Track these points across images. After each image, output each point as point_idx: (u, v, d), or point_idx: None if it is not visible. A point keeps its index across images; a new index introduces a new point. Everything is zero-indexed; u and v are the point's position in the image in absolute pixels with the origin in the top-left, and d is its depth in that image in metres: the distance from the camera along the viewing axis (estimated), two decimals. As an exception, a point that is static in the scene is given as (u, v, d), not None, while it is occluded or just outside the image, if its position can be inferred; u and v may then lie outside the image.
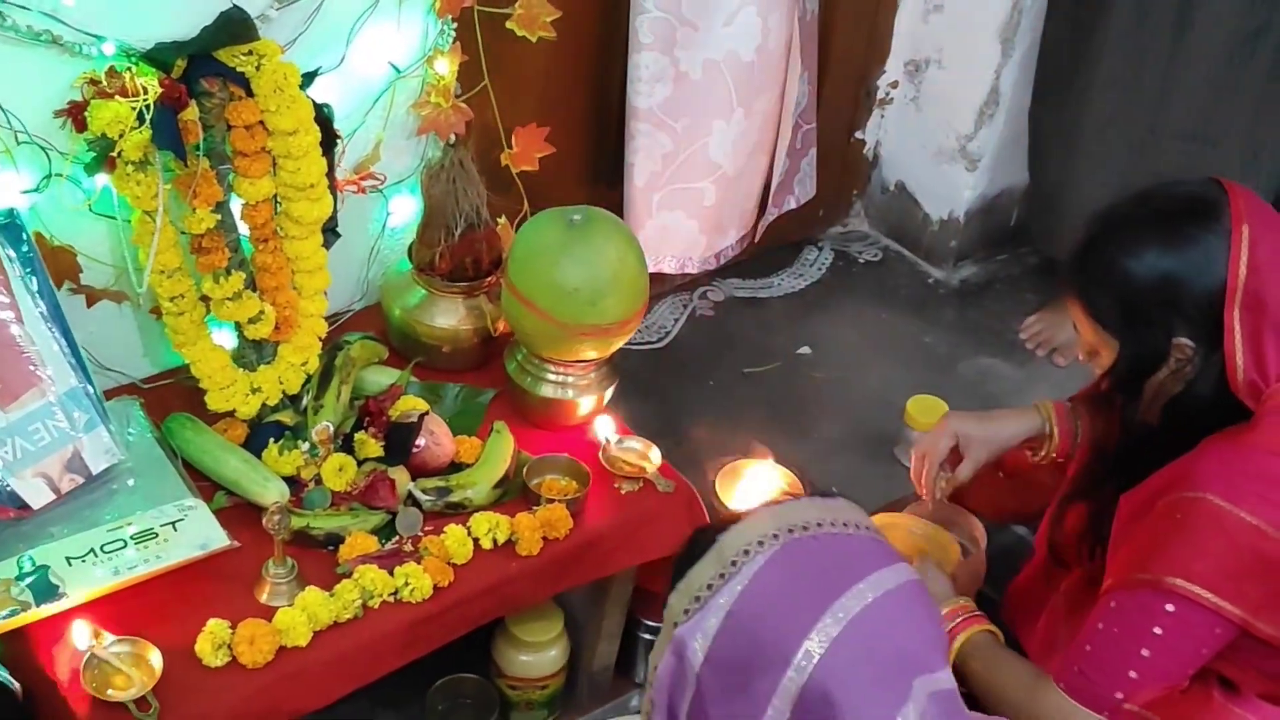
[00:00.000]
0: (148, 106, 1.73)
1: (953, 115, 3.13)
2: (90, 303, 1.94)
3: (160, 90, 1.73)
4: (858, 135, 3.29)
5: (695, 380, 2.94)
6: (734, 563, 1.35)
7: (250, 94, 1.81)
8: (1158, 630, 1.64)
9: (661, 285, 3.02)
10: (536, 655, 2.11)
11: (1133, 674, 1.66)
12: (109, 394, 1.99)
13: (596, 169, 2.72)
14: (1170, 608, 1.63)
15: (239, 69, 1.80)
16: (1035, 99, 2.96)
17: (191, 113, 1.77)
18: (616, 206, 2.67)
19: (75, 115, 1.74)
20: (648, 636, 2.22)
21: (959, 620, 1.91)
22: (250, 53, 1.80)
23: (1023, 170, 3.13)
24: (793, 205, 3.00)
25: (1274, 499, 1.61)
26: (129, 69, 1.74)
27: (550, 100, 2.47)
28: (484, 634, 2.09)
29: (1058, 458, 2.04)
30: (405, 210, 2.19)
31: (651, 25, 2.46)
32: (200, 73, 1.78)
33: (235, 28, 1.78)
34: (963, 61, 3.08)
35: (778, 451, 2.72)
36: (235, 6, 1.79)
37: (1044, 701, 1.73)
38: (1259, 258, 1.67)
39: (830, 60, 3.05)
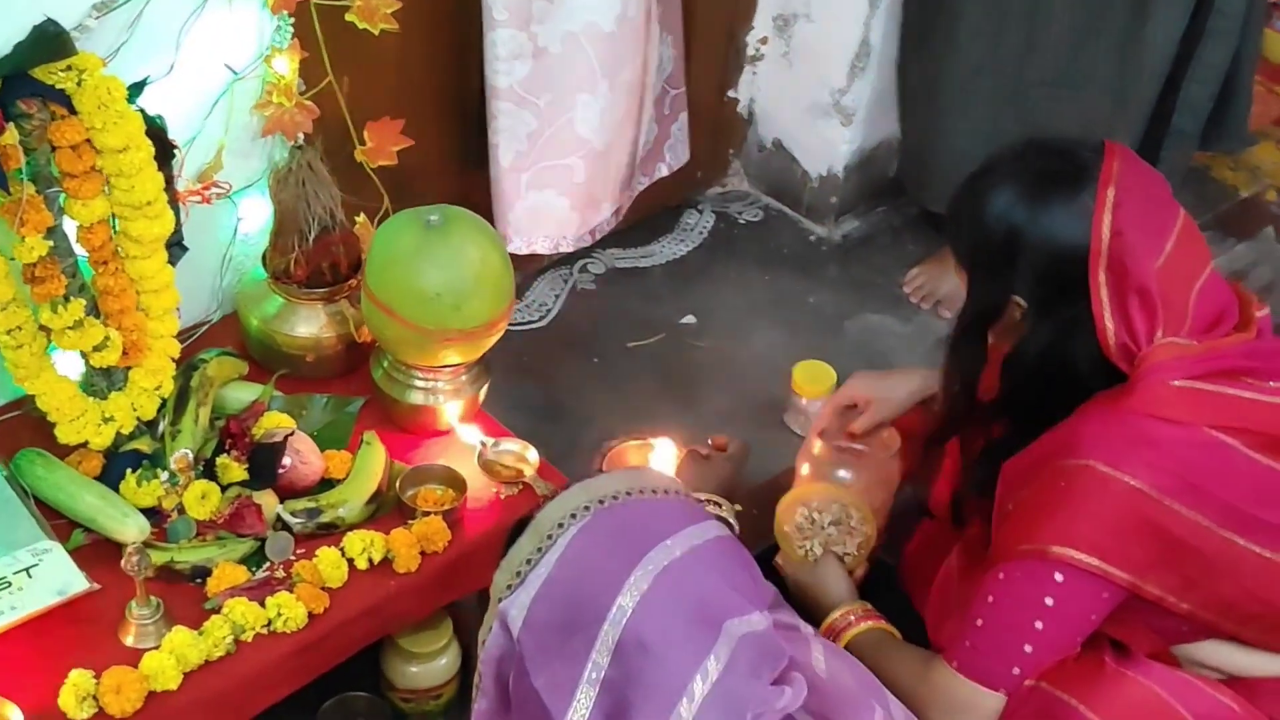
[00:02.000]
0: (-39, 133, 1.62)
1: (825, 69, 3.08)
2: (-78, 338, 1.83)
3: (-28, 116, 1.62)
4: (730, 94, 3.23)
5: (580, 358, 2.87)
6: (550, 536, 1.45)
7: (73, 112, 1.71)
8: (1049, 601, 1.64)
9: (540, 261, 2.95)
10: (426, 666, 2.05)
11: (1027, 647, 1.66)
12: (-49, 432, 1.89)
13: (464, 153, 2.63)
14: (1059, 577, 1.63)
15: (58, 86, 1.69)
16: (901, 51, 2.93)
17: (10, 136, 1.67)
18: (488, 189, 2.60)
19: (-118, 145, 1.63)
20: (542, 635, 2.17)
21: (849, 620, 1.92)
22: (69, 68, 1.69)
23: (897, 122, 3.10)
24: (664, 172, 2.95)
25: (1155, 461, 1.62)
26: (-61, 93, 1.63)
27: (408, 88, 2.38)
28: (372, 647, 2.03)
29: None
30: (257, 215, 2.10)
31: (505, 1, 2.37)
32: (16, 94, 1.67)
33: (50, 43, 1.68)
34: (831, 14, 3.02)
35: (667, 426, 2.68)
36: (49, 20, 1.68)
37: (936, 681, 1.73)
38: (1122, 221, 1.66)
39: (696, 18, 2.98)
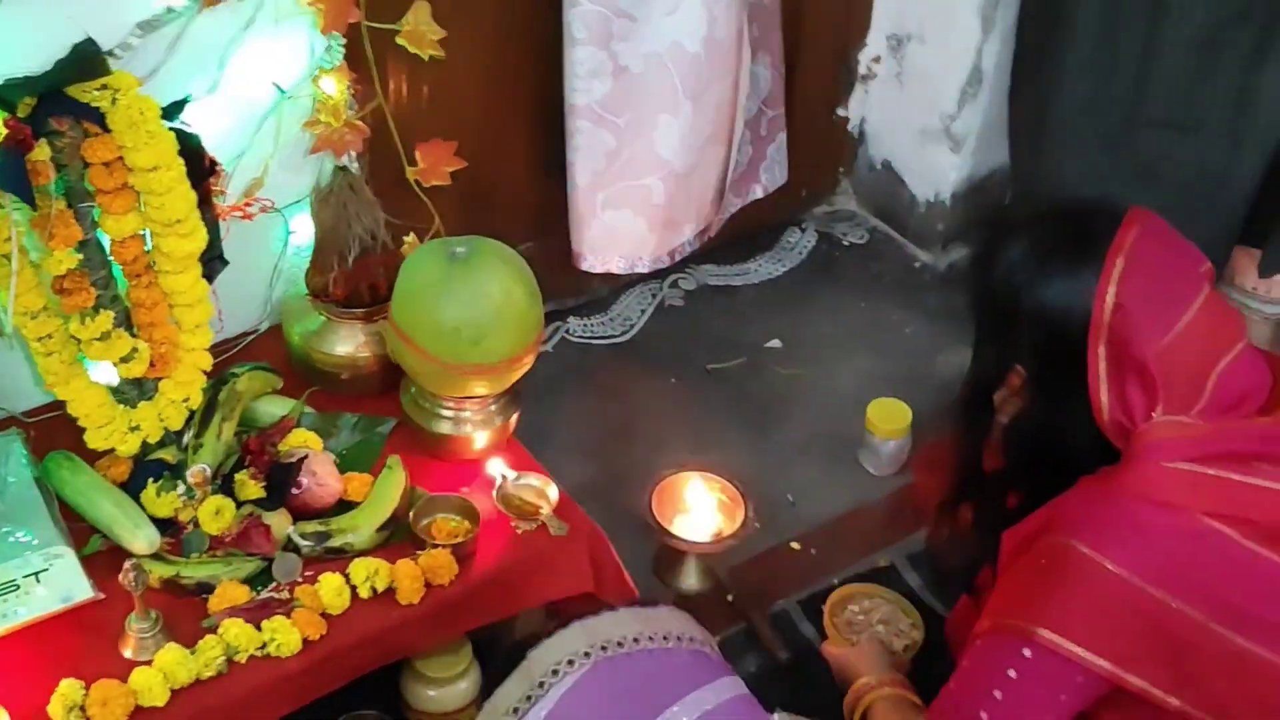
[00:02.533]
0: (-7, 148, 1.66)
1: (936, 94, 2.98)
2: (-31, 339, 1.89)
3: (4, 132, 1.66)
4: (840, 112, 3.15)
5: (658, 377, 2.84)
6: (541, 684, 1.32)
7: (107, 129, 1.73)
8: (1011, 673, 1.61)
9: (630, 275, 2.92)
10: (444, 690, 2.04)
11: (983, 714, 1.63)
12: (-2, 426, 1.95)
13: (546, 166, 2.61)
14: (1027, 653, 1.59)
15: (93, 104, 1.72)
16: (1012, 82, 2.81)
17: (42, 152, 1.70)
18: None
19: (-80, 156, 1.67)
20: (566, 666, 2.14)
21: (873, 684, 1.92)
22: (104, 87, 1.72)
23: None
24: (759, 194, 2.89)
25: (1140, 547, 1.55)
26: (-28, 108, 1.68)
27: (492, 100, 2.39)
28: (391, 667, 2.03)
29: None
30: (308, 229, 2.11)
31: (584, 19, 2.34)
32: (51, 111, 1.70)
33: (86, 63, 1.70)
34: (943, 37, 2.92)
35: (735, 455, 2.64)
36: (88, 39, 1.71)
37: None
38: (1127, 294, 1.58)
39: (804, 35, 2.92)
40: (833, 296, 3.08)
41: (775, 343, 2.94)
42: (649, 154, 2.54)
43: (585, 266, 2.65)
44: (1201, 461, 1.57)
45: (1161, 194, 2.56)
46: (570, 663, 1.31)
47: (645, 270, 2.72)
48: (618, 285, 2.95)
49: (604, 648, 1.32)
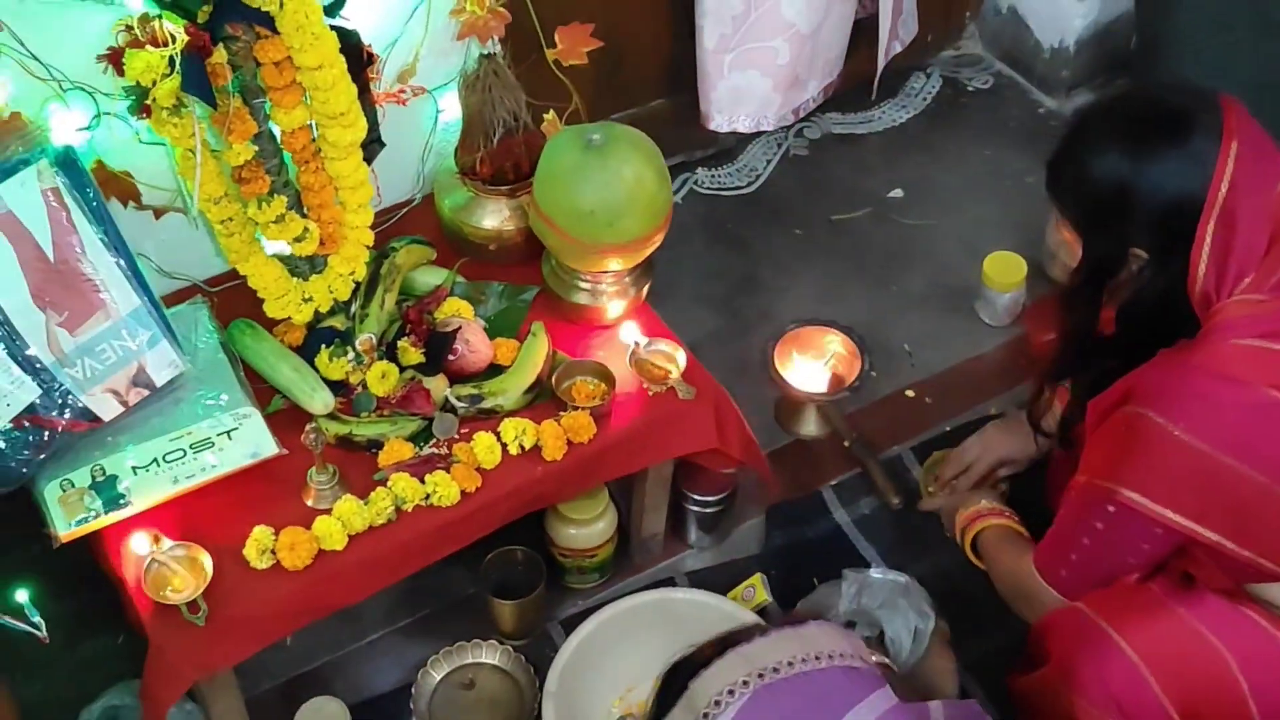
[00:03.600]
0: (176, 54, 1.83)
1: (1064, -61, 2.99)
2: (158, 216, 2.10)
3: (186, 39, 1.82)
4: (968, -43, 3.17)
5: (783, 228, 2.96)
6: (705, 715, 1.36)
7: (275, 31, 1.89)
8: (1098, 525, 1.82)
9: (756, 129, 3.02)
10: (583, 529, 2.26)
11: (1073, 556, 1.88)
12: (182, 295, 2.17)
13: (675, 30, 2.71)
14: (1111, 509, 1.79)
15: (263, 9, 1.87)
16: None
17: (220, 56, 1.86)
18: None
19: (115, 61, 1.84)
20: (694, 509, 2.35)
21: (984, 513, 2.17)
22: (272, -8, 1.87)
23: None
24: (898, 49, 2.95)
25: (1207, 418, 1.70)
26: (158, 17, 1.84)
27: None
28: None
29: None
30: (455, 107, 2.26)
31: (715, -114, 2.42)
32: (225, 17, 1.86)
33: (255, -30, 1.85)
34: (1074, -117, 2.92)
35: (855, 305, 2.78)
36: (256, -54, 1.86)
37: (1023, 568, 1.99)
38: (1239, 176, 1.70)
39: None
40: (956, 144, 3.15)
41: (898, 192, 3.03)
42: (775, 16, 2.62)
43: (713, 126, 2.77)
44: (1270, 338, 1.70)
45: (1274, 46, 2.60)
46: (731, 692, 1.35)
47: (770, 128, 2.83)
48: (744, 135, 3.05)
49: (761, 675, 1.36)
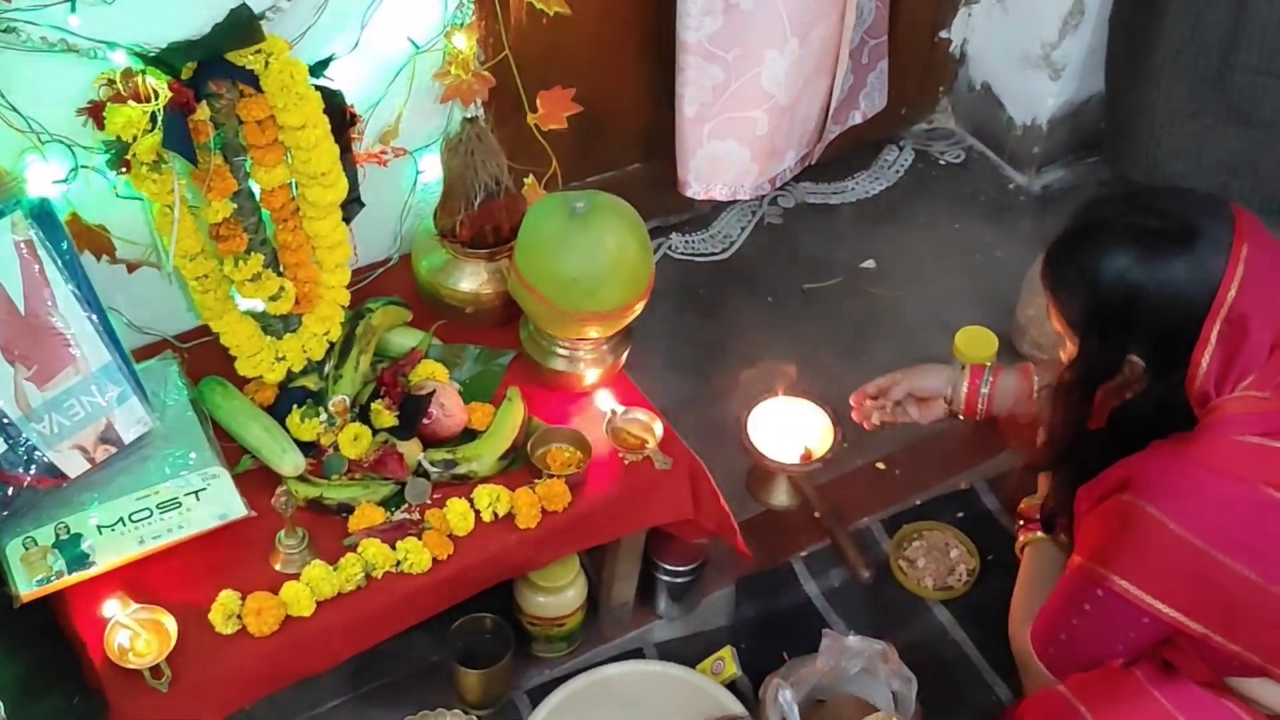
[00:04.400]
0: (159, 110, 1.81)
1: (1037, 22, 3.03)
2: (131, 270, 2.07)
3: (169, 95, 1.81)
4: (942, 34, 3.21)
5: (755, 295, 2.97)
6: None
7: (260, 90, 1.88)
8: (1086, 607, 1.82)
9: (732, 197, 3.03)
10: (553, 597, 2.23)
11: (1062, 635, 1.88)
12: (152, 350, 2.14)
13: (656, 95, 2.72)
14: (1100, 593, 1.78)
15: (248, 67, 1.86)
16: (1113, 16, 2.86)
17: (203, 113, 1.85)
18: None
19: (95, 115, 1.83)
20: (665, 578, 2.33)
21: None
22: (259, 51, 1.86)
23: (1109, 79, 3.03)
24: (858, 120, 2.98)
25: (1205, 515, 1.70)
26: (141, 72, 1.82)
27: (604, 33, 2.49)
28: (505, 574, 2.22)
29: (965, 414, 2.24)
30: (436, 168, 2.25)
31: (699, -41, 2.43)
32: (210, 74, 1.85)
33: (242, 29, 1.84)
34: (1048, -33, 2.96)
35: (827, 375, 2.77)
36: (244, 5, 1.85)
37: (1023, 633, 1.99)
38: (1249, 279, 1.70)
39: (911, -41, 2.97)
40: (927, 216, 3.17)
41: (870, 263, 3.05)
42: (755, 88, 2.64)
43: (689, 193, 2.77)
44: (1271, 436, 1.69)
45: (1251, 133, 2.63)
46: None
47: (747, 197, 2.84)
48: (720, 202, 3.05)
49: None
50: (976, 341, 2.71)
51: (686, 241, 3.04)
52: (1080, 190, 3.24)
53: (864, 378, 2.75)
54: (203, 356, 2.14)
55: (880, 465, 2.65)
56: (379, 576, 1.92)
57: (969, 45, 3.23)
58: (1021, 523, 2.27)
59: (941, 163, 3.31)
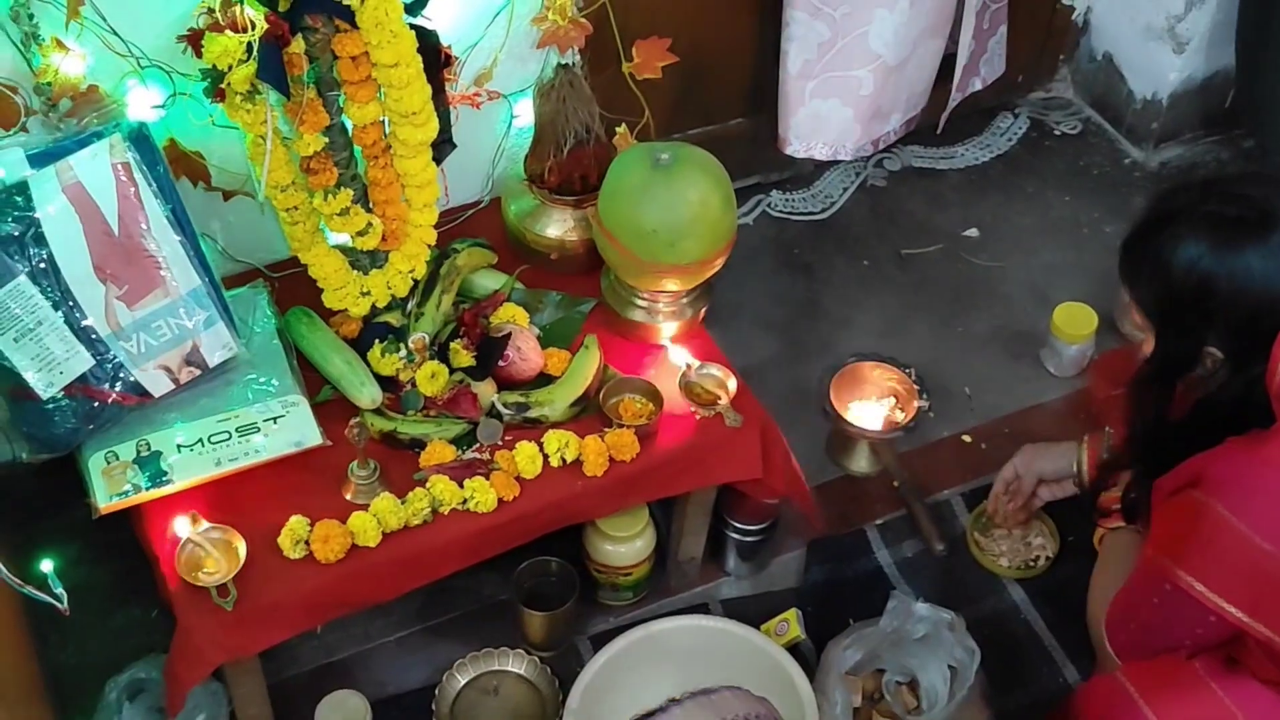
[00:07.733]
0: (255, 41, 1.84)
1: (1164, -9, 2.94)
2: (226, 198, 2.12)
3: (266, 26, 1.83)
4: (1065, 1, 3.12)
5: (852, 258, 2.93)
6: None
7: (355, 26, 1.89)
8: (1155, 600, 1.77)
9: (835, 157, 2.99)
10: (621, 546, 2.24)
11: (1133, 624, 1.84)
12: (244, 278, 2.18)
13: (760, 49, 2.69)
14: (1167, 587, 1.73)
15: (344, 2, 1.88)
16: (1244, -10, 2.76)
17: (298, 46, 1.87)
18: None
19: (194, 43, 1.86)
20: (735, 536, 2.33)
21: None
22: (355, -14, 1.88)
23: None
24: (978, 87, 2.92)
25: (1270, 514, 1.65)
26: (239, 3, 1.85)
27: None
28: (576, 520, 2.24)
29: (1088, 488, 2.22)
30: (529, 114, 2.26)
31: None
32: (306, 8, 1.86)
33: (340, -36, 1.86)
34: (1179, -64, 2.87)
35: (918, 342, 2.74)
36: (342, -60, 1.86)
37: (1100, 618, 1.94)
38: None
39: (1036, -76, 2.90)
40: (1036, 186, 3.10)
41: (973, 231, 2.99)
42: (862, 47, 2.59)
43: (789, 151, 2.74)
44: None
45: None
46: None
47: (848, 158, 2.80)
48: (822, 162, 3.02)
49: None
50: (1075, 319, 2.66)
51: (786, 200, 3.01)
52: (1198, 169, 3.14)
53: (957, 349, 2.75)
54: (292, 287, 2.18)
55: (966, 438, 2.61)
56: (445, 513, 1.95)
57: (1092, 14, 3.14)
58: (1102, 514, 2.24)
59: (1056, 133, 3.22)
